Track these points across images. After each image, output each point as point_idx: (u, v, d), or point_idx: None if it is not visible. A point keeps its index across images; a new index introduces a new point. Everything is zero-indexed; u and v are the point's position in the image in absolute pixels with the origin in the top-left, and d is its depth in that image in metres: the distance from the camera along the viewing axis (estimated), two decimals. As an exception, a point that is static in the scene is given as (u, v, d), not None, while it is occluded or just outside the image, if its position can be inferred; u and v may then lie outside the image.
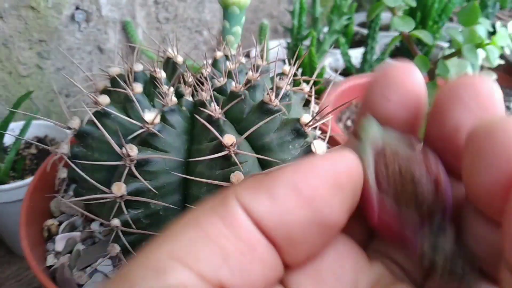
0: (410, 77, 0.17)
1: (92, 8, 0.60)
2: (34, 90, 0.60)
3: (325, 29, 0.78)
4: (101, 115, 0.30)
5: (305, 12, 0.67)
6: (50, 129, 0.60)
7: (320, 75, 0.65)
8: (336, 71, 0.80)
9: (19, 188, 0.51)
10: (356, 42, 0.88)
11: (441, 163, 0.16)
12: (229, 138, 0.27)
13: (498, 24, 0.68)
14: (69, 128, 0.31)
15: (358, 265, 0.17)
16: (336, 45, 0.78)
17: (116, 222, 0.28)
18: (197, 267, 0.13)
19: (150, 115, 0.28)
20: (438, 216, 0.16)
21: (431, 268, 0.16)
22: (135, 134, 0.27)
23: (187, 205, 0.29)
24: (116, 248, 0.30)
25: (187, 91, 0.33)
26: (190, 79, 0.34)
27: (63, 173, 0.33)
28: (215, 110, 0.29)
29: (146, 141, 0.28)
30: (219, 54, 0.37)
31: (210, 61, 0.37)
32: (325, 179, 0.15)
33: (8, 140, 0.57)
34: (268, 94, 0.30)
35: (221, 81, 0.34)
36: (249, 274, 0.14)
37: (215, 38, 0.43)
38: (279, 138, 0.31)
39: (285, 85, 0.32)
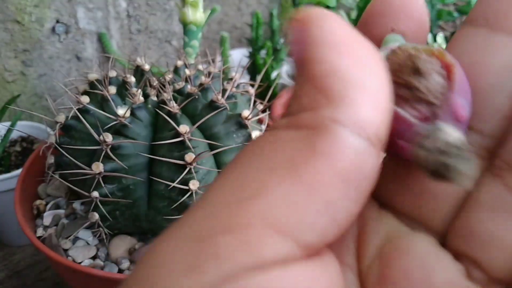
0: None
1: (71, 21, 0.67)
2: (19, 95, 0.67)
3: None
4: (82, 111, 0.38)
5: (261, 26, 0.76)
6: (32, 129, 0.66)
7: (274, 80, 0.73)
8: (293, 77, 0.89)
9: (6, 180, 0.58)
10: (312, 51, 0.98)
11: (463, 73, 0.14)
12: (183, 128, 0.35)
13: (429, 36, 0.79)
14: (57, 122, 0.39)
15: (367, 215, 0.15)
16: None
17: (95, 194, 0.36)
18: (297, 237, 0.11)
19: (122, 110, 0.36)
20: (442, 116, 0.14)
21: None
22: (110, 125, 0.36)
23: (152, 178, 0.37)
24: (95, 216, 0.37)
25: (152, 92, 0.41)
26: (155, 83, 0.42)
27: (51, 159, 0.41)
28: (173, 106, 0.37)
29: (118, 130, 0.36)
30: (179, 63, 0.45)
31: (172, 69, 0.45)
32: None
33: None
34: (215, 94, 0.39)
35: (180, 84, 0.42)
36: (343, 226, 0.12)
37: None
38: (225, 128, 0.39)
39: (230, 88, 0.41)
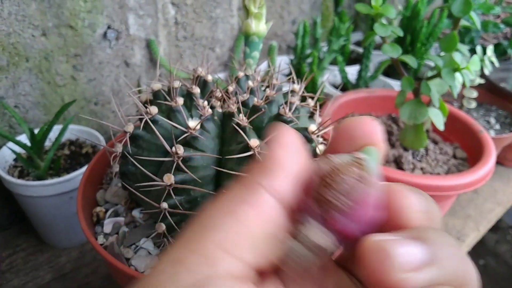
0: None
1: (122, 27, 0.68)
2: (68, 99, 0.68)
3: (325, 48, 0.87)
4: (151, 121, 0.38)
5: (308, 34, 0.75)
6: (80, 133, 0.67)
7: (322, 91, 0.73)
8: (335, 87, 0.88)
9: (57, 184, 0.58)
10: (352, 59, 0.97)
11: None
12: (254, 142, 0.35)
13: (478, 48, 0.77)
14: (125, 132, 0.39)
15: (326, 270, 0.21)
16: (334, 61, 0.87)
17: (164, 205, 0.36)
18: (241, 257, 0.17)
19: (194, 122, 0.36)
20: (329, 222, 0.18)
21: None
22: (182, 137, 0.35)
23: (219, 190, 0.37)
24: (162, 227, 0.37)
25: (217, 104, 0.41)
26: (219, 94, 0.42)
27: (116, 168, 0.41)
28: (242, 119, 0.37)
29: (188, 142, 0.36)
30: (241, 74, 0.45)
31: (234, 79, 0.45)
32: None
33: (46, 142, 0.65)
34: (283, 108, 0.38)
35: (244, 96, 0.42)
36: (272, 257, 0.18)
37: (229, 54, 0.51)
38: (291, 142, 0.39)
39: (296, 101, 0.40)
